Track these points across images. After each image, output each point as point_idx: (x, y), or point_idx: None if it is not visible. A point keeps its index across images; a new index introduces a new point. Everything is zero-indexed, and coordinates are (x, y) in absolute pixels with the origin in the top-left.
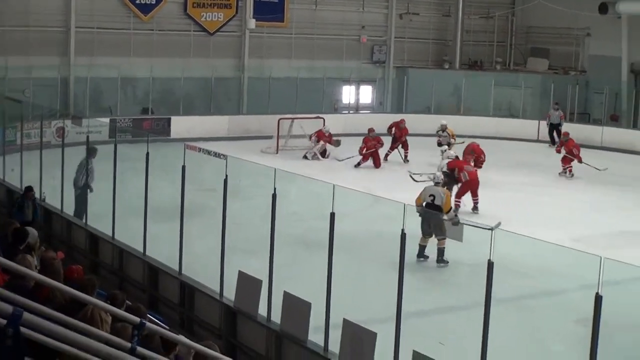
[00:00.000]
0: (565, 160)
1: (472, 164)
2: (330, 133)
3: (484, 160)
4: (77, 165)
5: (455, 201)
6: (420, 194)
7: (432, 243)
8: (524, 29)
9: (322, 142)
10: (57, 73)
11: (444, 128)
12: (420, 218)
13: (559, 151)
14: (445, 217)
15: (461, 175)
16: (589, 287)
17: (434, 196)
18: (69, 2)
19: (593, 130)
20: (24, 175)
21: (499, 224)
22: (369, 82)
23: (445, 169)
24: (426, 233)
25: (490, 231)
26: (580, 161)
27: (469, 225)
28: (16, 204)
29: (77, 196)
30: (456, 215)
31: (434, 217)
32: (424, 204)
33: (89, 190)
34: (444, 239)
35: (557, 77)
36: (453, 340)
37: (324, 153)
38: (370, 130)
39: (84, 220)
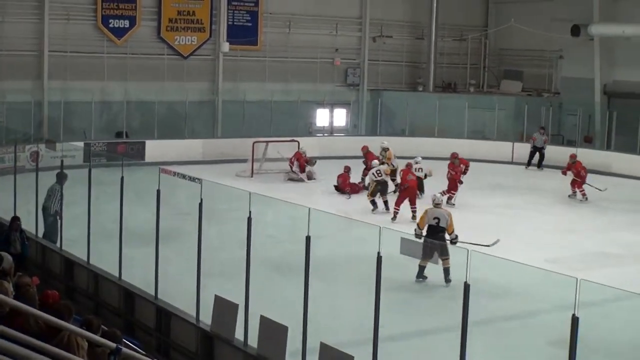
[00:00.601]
0: (576, 184)
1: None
2: (305, 154)
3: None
4: (46, 191)
5: (394, 209)
6: (423, 217)
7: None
8: (497, 51)
9: (304, 165)
10: (30, 97)
11: (385, 149)
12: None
13: (565, 173)
14: (447, 237)
15: (403, 185)
16: (565, 309)
17: (438, 219)
18: (42, 26)
19: (567, 152)
20: None
21: (498, 241)
22: (343, 105)
23: (378, 171)
24: (426, 255)
25: (488, 247)
26: (583, 183)
27: (468, 244)
28: (2, 236)
29: (50, 223)
30: (456, 236)
31: (429, 241)
32: (426, 226)
33: (57, 215)
34: (448, 258)
35: (531, 99)
36: None
37: (310, 176)
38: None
39: (58, 245)
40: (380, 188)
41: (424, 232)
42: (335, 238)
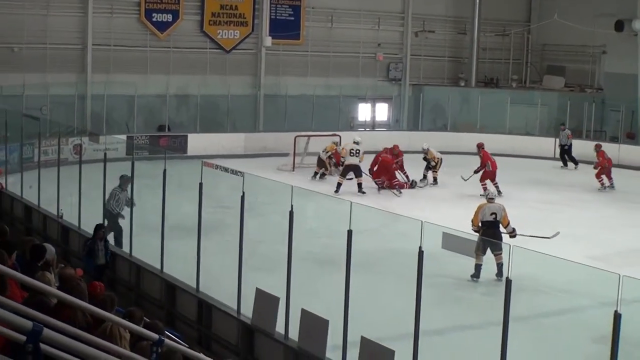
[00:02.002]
0: (602, 174)
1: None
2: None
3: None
4: (109, 193)
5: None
6: (478, 213)
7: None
8: (539, 46)
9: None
10: (74, 90)
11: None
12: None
13: (597, 167)
14: (503, 230)
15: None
16: (607, 305)
17: (495, 214)
18: (86, 20)
19: (609, 148)
20: (41, 192)
21: (558, 233)
22: (385, 100)
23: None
24: (483, 251)
25: (549, 239)
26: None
27: (528, 236)
28: (86, 247)
29: (117, 228)
30: (514, 229)
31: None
32: (480, 222)
33: (121, 218)
34: (501, 253)
35: (573, 95)
36: (471, 359)
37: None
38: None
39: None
40: None
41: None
42: (377, 232)
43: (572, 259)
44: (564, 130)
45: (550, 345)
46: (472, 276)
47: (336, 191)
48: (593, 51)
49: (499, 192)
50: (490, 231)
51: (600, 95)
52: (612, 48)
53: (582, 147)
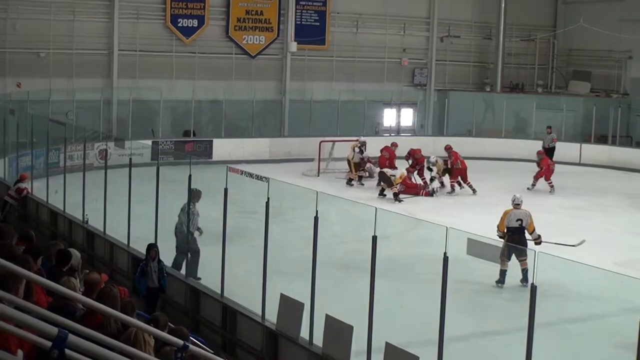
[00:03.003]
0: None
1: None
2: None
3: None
4: (179, 210)
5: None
6: (504, 219)
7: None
8: (565, 51)
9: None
10: (99, 95)
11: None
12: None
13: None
14: (529, 237)
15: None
16: (633, 312)
17: (521, 220)
18: (112, 26)
19: (636, 154)
20: (67, 197)
21: (584, 241)
22: (410, 105)
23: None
24: (508, 257)
25: (574, 247)
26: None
27: (553, 243)
28: (139, 268)
29: (180, 243)
30: (539, 236)
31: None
32: (506, 229)
33: (197, 234)
34: (526, 259)
35: (599, 100)
36: None
37: (370, 173)
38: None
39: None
40: None
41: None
42: (402, 238)
43: (598, 265)
44: (550, 133)
45: (575, 352)
46: (497, 282)
47: (398, 200)
48: (619, 56)
49: (474, 191)
50: (516, 237)
51: (626, 101)
52: (638, 53)
53: (607, 153)
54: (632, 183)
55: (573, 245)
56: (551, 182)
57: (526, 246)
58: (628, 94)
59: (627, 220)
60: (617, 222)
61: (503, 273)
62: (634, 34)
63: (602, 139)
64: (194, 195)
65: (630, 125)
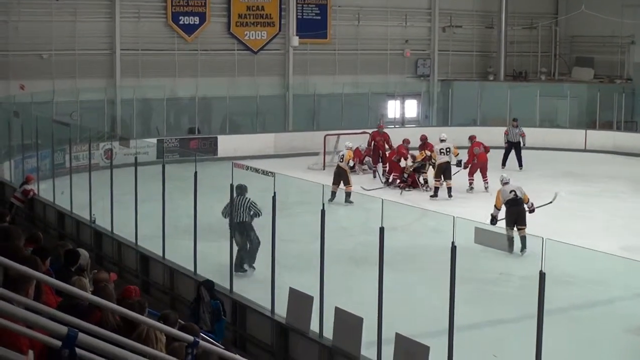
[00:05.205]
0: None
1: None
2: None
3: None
4: (223, 208)
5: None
6: (498, 196)
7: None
8: (568, 38)
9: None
10: (103, 95)
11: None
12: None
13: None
14: (525, 207)
15: None
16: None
17: (514, 191)
18: (114, 26)
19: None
20: (73, 197)
21: (557, 194)
22: (413, 96)
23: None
24: (510, 225)
25: (550, 203)
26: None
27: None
28: (190, 308)
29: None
30: (532, 204)
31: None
32: (503, 203)
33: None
34: (525, 227)
35: (603, 86)
36: (506, 353)
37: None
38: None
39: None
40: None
41: (502, 210)
42: (409, 229)
43: (606, 250)
44: (517, 126)
45: (585, 337)
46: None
47: (434, 196)
48: (622, 41)
49: (486, 189)
50: (515, 208)
51: (630, 86)
52: None
53: (612, 139)
54: (637, 168)
55: (551, 202)
56: (483, 179)
57: (525, 216)
58: (631, 79)
59: (633, 206)
60: (624, 208)
61: (511, 240)
62: (636, 19)
63: (606, 125)
64: (241, 190)
65: (635, 110)
